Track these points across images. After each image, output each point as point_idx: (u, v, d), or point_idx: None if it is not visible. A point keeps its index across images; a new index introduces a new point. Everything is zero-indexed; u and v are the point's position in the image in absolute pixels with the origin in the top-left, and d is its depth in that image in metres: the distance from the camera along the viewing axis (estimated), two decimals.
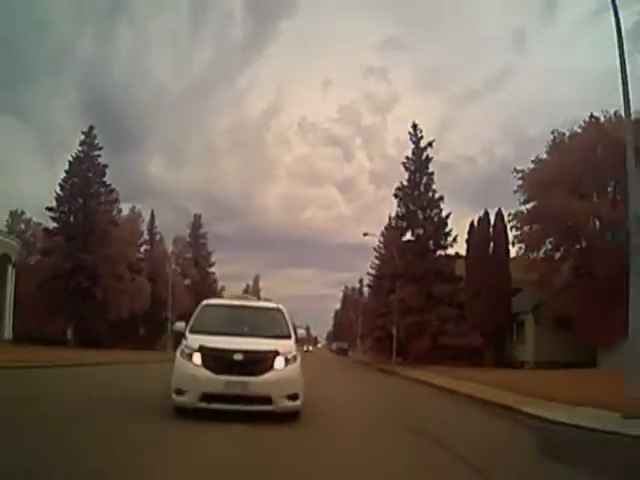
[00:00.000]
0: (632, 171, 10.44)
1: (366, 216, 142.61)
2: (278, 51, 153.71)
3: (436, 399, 14.86)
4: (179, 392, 8.23)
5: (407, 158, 37.58)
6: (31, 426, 6.96)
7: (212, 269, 71.76)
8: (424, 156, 37.01)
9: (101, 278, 47.03)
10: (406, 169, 37.39)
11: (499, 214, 32.80)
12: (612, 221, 26.31)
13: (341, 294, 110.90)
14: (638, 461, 6.60)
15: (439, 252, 36.89)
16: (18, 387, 12.46)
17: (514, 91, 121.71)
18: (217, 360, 8.17)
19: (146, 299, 54.18)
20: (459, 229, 39.37)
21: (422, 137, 37.54)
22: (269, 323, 9.56)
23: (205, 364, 8.18)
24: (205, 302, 10.38)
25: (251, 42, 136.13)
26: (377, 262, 51.01)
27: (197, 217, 71.95)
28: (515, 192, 29.89)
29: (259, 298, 12.32)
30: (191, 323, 9.24)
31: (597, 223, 28.19)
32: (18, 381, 14.15)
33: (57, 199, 49.09)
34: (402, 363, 34.44)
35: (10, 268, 42.84)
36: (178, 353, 8.67)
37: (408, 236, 37.47)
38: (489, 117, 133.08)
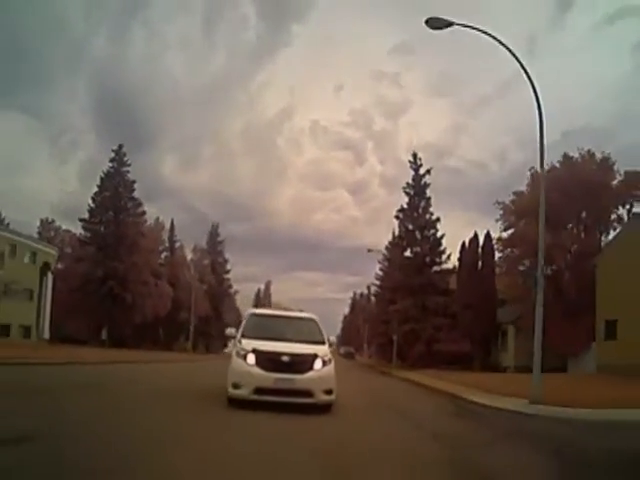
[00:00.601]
0: (542, 230, 14.67)
1: (377, 220, 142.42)
2: (291, 55, 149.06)
3: (414, 392, 19.25)
4: (236, 386, 9.56)
5: (407, 184, 42.12)
6: (146, 399, 11.45)
7: (228, 275, 76.50)
8: (422, 182, 41.51)
9: (130, 284, 51.88)
10: (406, 194, 41.95)
11: (488, 236, 37.26)
12: (577, 251, 30.65)
13: (350, 298, 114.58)
14: (513, 425, 10.95)
15: (435, 268, 41.28)
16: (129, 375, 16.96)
17: (525, 97, 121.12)
18: (268, 360, 9.55)
19: (167, 303, 59.04)
20: (465, 235, 42.79)
21: (421, 165, 42.17)
22: (306, 330, 11.01)
23: (258, 363, 9.54)
24: (251, 311, 12.23)
25: (264, 46, 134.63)
26: (381, 274, 55.44)
27: (215, 226, 76.43)
28: (497, 221, 34.51)
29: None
30: (242, 329, 10.80)
31: (568, 251, 32.65)
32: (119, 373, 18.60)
33: (89, 211, 54.11)
34: (401, 366, 38.64)
35: (49, 275, 47.82)
36: (234, 354, 10.13)
37: (407, 253, 41.87)
38: (500, 122, 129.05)
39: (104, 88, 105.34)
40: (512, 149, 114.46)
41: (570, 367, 32.00)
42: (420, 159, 42.09)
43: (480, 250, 37.47)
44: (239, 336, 10.54)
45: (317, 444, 6.70)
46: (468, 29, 14.97)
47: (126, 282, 51.63)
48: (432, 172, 41.64)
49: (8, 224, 56.26)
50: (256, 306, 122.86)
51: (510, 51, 14.65)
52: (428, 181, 41.60)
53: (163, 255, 67.62)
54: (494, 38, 14.71)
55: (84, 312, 50.09)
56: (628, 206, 32.09)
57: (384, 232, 56.57)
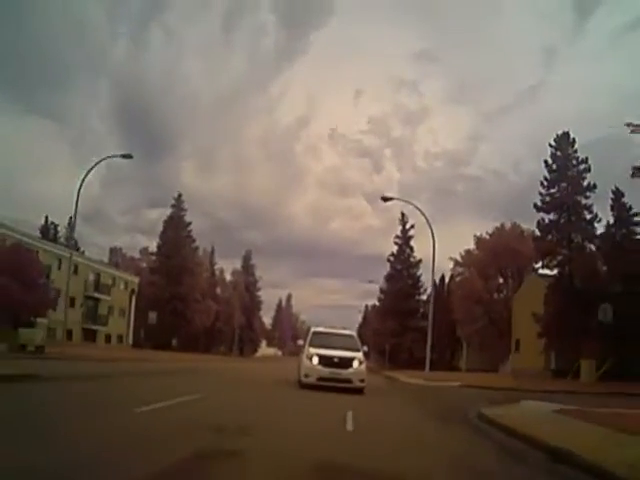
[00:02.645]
0: (431, 317, 30.51)
1: (394, 228, 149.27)
2: (310, 62, 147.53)
3: (380, 378, 34.93)
4: (306, 376, 14.89)
5: (396, 236, 58.30)
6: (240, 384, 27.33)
7: (259, 292, 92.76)
8: (407, 235, 57.46)
9: (189, 303, 68.32)
10: (395, 243, 58.14)
11: (451, 279, 53.08)
12: (506, 296, 46.59)
13: (361, 311, 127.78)
14: (403, 385, 26.66)
15: (417, 297, 57.15)
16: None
17: (545, 106, 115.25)
18: (326, 361, 14.70)
19: (212, 316, 75.52)
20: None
21: (407, 221, 57.96)
22: (348, 342, 16.19)
23: (320, 362, 14.75)
24: (313, 329, 17.35)
25: (283, 53, 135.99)
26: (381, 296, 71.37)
27: (248, 252, 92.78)
28: (450, 271, 50.85)
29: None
30: (308, 341, 16.04)
31: (498, 294, 48.78)
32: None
33: (158, 247, 70.83)
34: (389, 368, 54.19)
35: (133, 297, 64.50)
36: (303, 357, 15.40)
37: (396, 286, 57.69)
38: (519, 131, 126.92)
39: (124, 93, 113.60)
40: (530, 158, 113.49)
41: (500, 369, 47.61)
42: (407, 217, 58.07)
43: (446, 287, 53.30)
44: (307, 345, 15.85)
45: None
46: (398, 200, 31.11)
47: (186, 301, 68.00)
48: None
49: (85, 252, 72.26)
50: (277, 315, 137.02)
51: (422, 213, 30.60)
52: (412, 234, 57.65)
53: (205, 276, 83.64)
54: (415, 207, 30.79)
55: (155, 325, 66.29)
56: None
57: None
